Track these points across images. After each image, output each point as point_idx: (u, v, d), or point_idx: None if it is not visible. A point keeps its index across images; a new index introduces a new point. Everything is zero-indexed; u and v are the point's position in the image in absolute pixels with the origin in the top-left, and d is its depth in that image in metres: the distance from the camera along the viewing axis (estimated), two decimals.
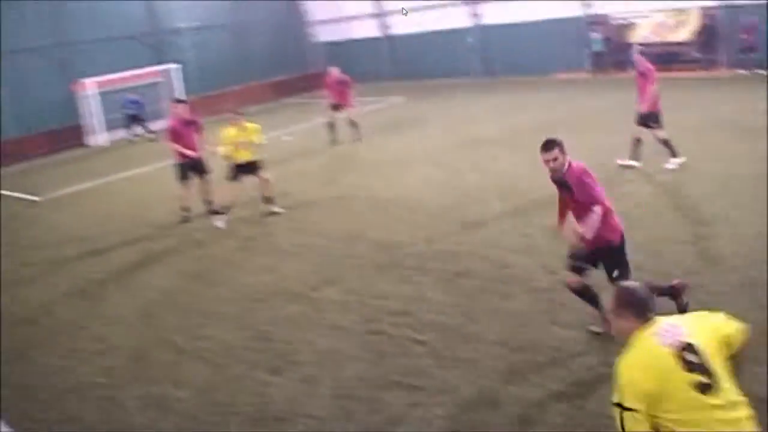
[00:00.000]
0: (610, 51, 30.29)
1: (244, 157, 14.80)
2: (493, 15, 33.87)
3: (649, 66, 14.21)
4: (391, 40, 38.79)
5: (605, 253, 7.67)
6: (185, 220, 15.67)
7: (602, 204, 7.50)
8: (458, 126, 22.54)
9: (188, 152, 15.25)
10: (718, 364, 4.11)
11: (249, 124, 14.94)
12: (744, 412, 4.06)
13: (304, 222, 14.41)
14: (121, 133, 30.66)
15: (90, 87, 30.14)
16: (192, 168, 15.53)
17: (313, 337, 8.96)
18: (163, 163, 22.48)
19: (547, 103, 24.45)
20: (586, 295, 7.96)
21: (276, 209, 15.18)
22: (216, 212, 15.18)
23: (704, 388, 4.00)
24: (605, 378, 7.04)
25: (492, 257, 10.92)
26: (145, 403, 8.01)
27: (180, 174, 15.63)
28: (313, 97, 35.93)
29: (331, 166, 18.90)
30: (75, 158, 28.33)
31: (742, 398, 4.09)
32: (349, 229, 13.45)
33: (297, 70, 39.64)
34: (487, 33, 34.46)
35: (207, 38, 36.55)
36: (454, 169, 16.85)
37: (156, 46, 34.99)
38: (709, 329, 4.29)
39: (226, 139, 14.71)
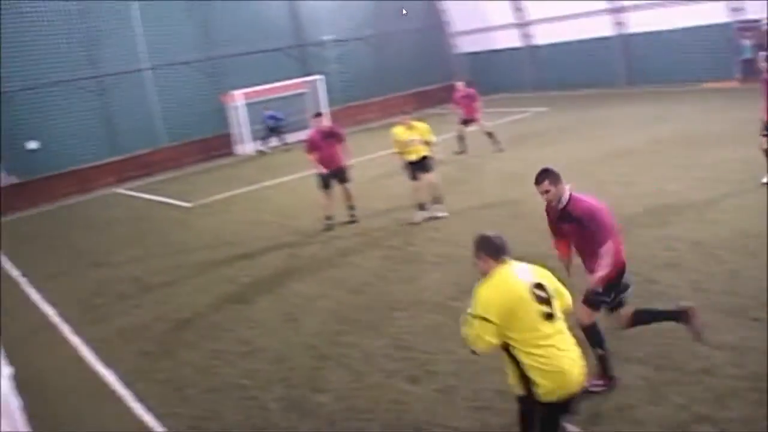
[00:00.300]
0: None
1: (415, 154, 15.35)
2: (637, 23, 32.93)
3: None
4: (533, 49, 38.32)
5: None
6: (328, 228, 15.99)
7: (611, 240, 7.43)
8: (601, 137, 21.99)
9: (319, 165, 15.86)
10: (557, 305, 5.53)
11: (417, 123, 15.54)
12: (571, 339, 5.61)
13: (446, 232, 14.41)
14: (257, 145, 31.61)
15: (238, 98, 31.18)
16: (333, 177, 15.91)
17: (452, 347, 8.91)
18: (306, 172, 23.01)
19: (693, 114, 23.52)
20: (597, 334, 7.61)
21: (440, 214, 15.53)
22: (422, 207, 15.60)
23: (547, 317, 5.41)
24: (753, 402, 6.74)
25: (636, 273, 10.53)
26: (286, 405, 8.20)
27: (321, 183, 16.02)
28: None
29: (474, 177, 18.82)
30: (223, 166, 29.35)
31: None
32: None
33: (438, 81, 39.70)
34: (631, 41, 33.57)
35: (350, 50, 37.19)
36: (597, 181, 16.43)
37: (301, 59, 35.91)
38: (552, 281, 5.69)
39: (396, 138, 15.46)
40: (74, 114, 29.21)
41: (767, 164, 13.63)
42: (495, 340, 5.39)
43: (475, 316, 5.44)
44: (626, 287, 7.72)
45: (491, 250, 5.67)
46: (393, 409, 7.71)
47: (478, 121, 22.81)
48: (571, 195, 7.49)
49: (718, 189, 14.19)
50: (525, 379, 5.46)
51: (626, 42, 33.79)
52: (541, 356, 5.35)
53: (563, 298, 5.80)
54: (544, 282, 5.58)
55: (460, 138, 22.90)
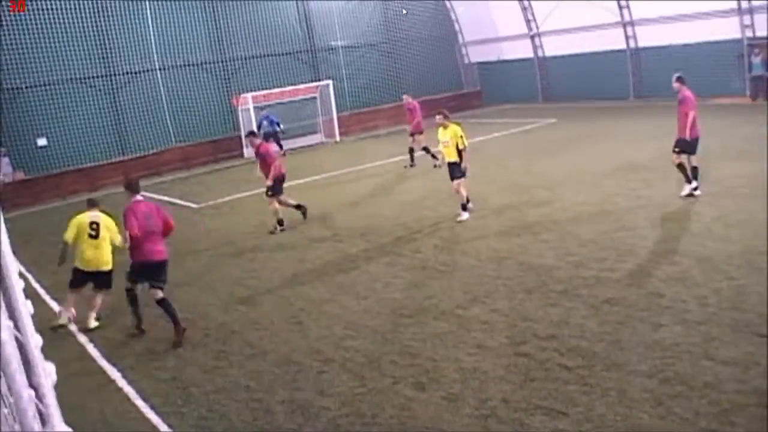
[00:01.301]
0: None
1: (448, 156, 16.00)
2: (647, 37, 33.02)
3: None
4: (543, 61, 38.44)
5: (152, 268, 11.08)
6: (278, 232, 16.96)
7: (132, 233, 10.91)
8: (610, 149, 22.02)
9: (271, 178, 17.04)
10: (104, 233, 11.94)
11: (452, 125, 15.99)
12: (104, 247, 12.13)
13: (452, 241, 14.44)
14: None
15: (248, 101, 31.27)
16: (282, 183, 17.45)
17: (458, 355, 8.94)
18: (314, 177, 23.08)
19: (702, 129, 23.42)
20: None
21: (463, 218, 15.80)
22: (464, 207, 15.97)
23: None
24: (757, 417, 6.74)
25: (642, 286, 10.60)
26: (291, 408, 8.21)
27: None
28: (465, 117, 36.05)
29: (482, 187, 18.84)
30: (232, 168, 29.42)
31: None
32: (497, 249, 13.36)
33: (448, 90, 39.82)
34: (641, 55, 33.64)
35: (361, 56, 37.38)
36: (605, 194, 16.47)
37: (312, 63, 36.04)
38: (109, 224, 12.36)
39: (438, 137, 16.17)
40: (84, 112, 29.37)
41: (684, 178, 15.21)
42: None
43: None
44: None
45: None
46: (398, 415, 7.72)
47: (418, 134, 23.38)
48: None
49: (725, 204, 14.20)
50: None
51: (636, 56, 33.84)
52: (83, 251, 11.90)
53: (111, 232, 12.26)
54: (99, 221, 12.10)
55: (410, 150, 23.61)
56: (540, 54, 38.46)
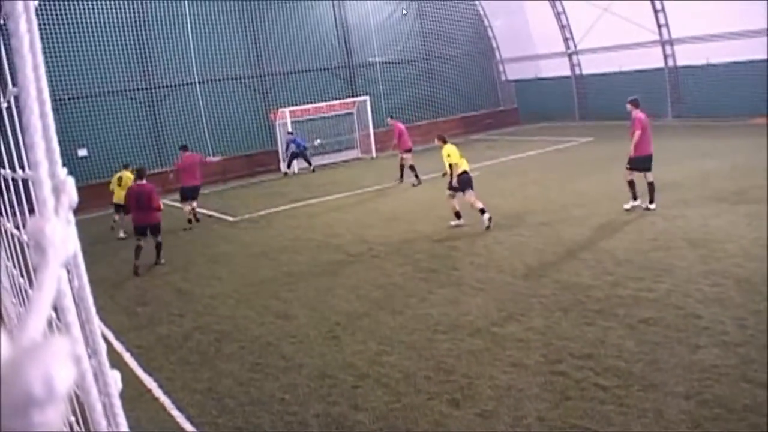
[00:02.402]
0: None
1: (464, 166, 17.09)
2: (686, 56, 32.80)
3: None
4: (580, 79, 38.32)
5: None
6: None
7: None
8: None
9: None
10: None
11: (445, 146, 17.41)
12: None
13: (488, 258, 14.41)
14: (284, 166, 31.67)
15: (285, 116, 31.48)
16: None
17: (493, 372, 8.92)
18: (347, 193, 23.20)
19: (740, 149, 23.24)
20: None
21: (487, 222, 16.60)
22: (483, 211, 16.78)
23: None
24: None
25: (680, 306, 10.50)
26: (326, 422, 8.24)
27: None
28: (502, 134, 36.04)
29: (518, 205, 18.81)
30: (268, 182, 29.63)
31: None
32: (533, 267, 13.33)
33: (485, 107, 39.84)
34: (679, 74, 33.41)
35: (398, 73, 37.50)
36: (641, 213, 16.37)
37: (348, 79, 36.24)
38: None
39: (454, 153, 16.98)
40: (124, 124, 29.80)
41: (631, 194, 16.87)
42: None
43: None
44: None
45: None
46: (432, 430, 7.72)
47: (402, 152, 25.00)
48: None
49: (763, 225, 14.03)
50: None
51: (675, 75, 33.61)
52: None
53: None
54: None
55: (400, 167, 25.02)
56: (577, 72, 38.35)
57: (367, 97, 34.04)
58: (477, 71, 40.35)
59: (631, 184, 16.85)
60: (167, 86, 30.94)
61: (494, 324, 10.62)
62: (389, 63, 37.18)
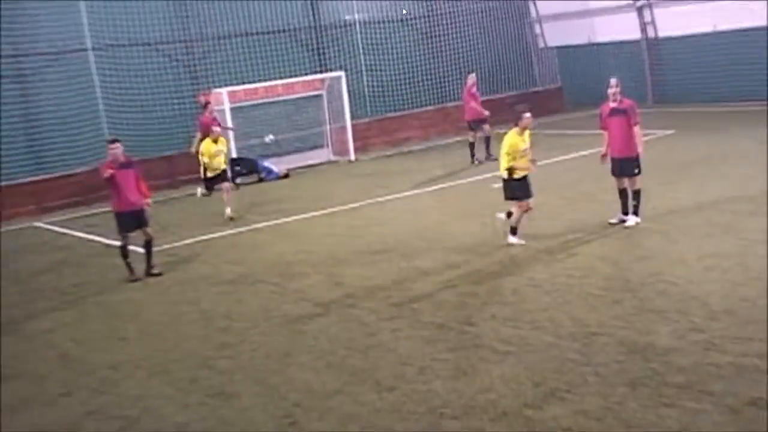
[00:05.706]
0: None
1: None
2: None
3: None
4: (654, 44, 38.30)
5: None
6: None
7: None
8: (753, 176, 21.79)
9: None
10: None
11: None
12: None
13: (519, 307, 14.38)
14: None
15: (222, 100, 31.17)
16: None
17: None
18: (311, 213, 23.31)
19: None
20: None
21: (514, 241, 17.65)
22: (514, 231, 17.94)
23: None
24: None
25: None
26: None
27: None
28: (540, 126, 36.11)
29: (563, 228, 18.80)
30: (196, 197, 29.59)
31: None
32: (585, 322, 13.28)
33: (514, 88, 40.24)
34: None
35: (387, 36, 37.86)
36: (746, 241, 16.32)
37: (315, 47, 36.52)
38: None
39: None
40: None
41: (621, 206, 18.85)
42: None
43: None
44: None
45: None
46: None
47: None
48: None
49: None
50: None
51: None
52: None
53: None
54: None
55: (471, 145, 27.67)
56: (650, 34, 38.39)
57: (342, 73, 33.89)
58: (502, 34, 40.39)
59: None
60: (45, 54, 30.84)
61: (528, 405, 10.53)
62: (374, 22, 37.09)
